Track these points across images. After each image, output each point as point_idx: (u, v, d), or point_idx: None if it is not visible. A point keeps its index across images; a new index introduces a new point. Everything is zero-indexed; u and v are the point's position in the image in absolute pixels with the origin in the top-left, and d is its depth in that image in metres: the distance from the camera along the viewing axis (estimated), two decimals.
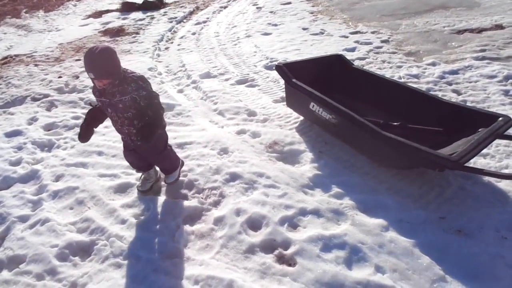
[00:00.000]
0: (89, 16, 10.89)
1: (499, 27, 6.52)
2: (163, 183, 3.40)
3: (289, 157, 3.67)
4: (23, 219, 3.14)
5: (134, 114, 2.69)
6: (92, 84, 2.74)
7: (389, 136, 3.02)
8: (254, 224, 2.86)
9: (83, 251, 2.76)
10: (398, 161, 3.18)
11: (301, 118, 4.23)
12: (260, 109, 4.59)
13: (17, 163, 3.94)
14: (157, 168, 3.39)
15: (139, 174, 3.49)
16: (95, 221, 2.99)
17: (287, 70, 3.99)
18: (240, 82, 5.50)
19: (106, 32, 8.86)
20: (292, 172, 3.40)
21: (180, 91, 5.43)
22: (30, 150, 4.11)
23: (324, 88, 3.94)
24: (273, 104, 4.70)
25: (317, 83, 3.97)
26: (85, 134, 2.81)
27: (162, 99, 4.91)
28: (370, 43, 6.45)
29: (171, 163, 3.25)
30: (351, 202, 3.01)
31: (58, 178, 3.63)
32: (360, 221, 2.81)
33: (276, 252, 2.62)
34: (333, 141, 3.79)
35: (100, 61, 2.45)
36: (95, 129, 2.87)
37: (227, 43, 7.45)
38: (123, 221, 2.96)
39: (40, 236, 2.91)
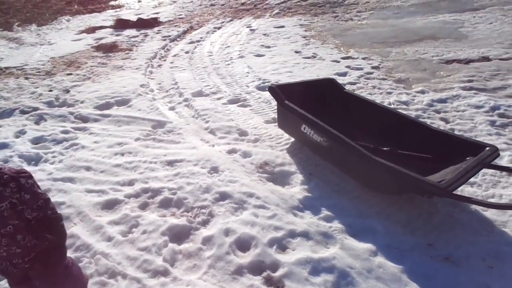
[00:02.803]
0: (82, 32, 10.92)
1: (486, 59, 6.71)
2: None
3: (280, 178, 3.68)
4: None
5: (16, 226, 1.81)
6: None
7: (379, 161, 3.05)
8: (243, 245, 2.83)
9: None
10: (388, 186, 3.20)
11: (292, 139, 4.26)
12: (252, 129, 4.61)
13: None
14: None
15: (128, 191, 3.45)
16: (81, 238, 2.93)
17: (280, 92, 4.04)
18: (232, 101, 5.53)
19: (99, 48, 8.88)
20: (282, 193, 3.40)
21: (172, 108, 5.43)
22: (16, 164, 4.04)
23: (316, 111, 3.99)
24: (265, 125, 4.73)
25: (309, 105, 4.02)
26: None
27: (154, 116, 5.01)
28: (361, 69, 6.59)
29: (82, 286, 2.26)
30: (340, 225, 3.01)
31: None
32: (349, 245, 2.80)
33: (264, 274, 2.59)
34: (324, 164, 3.81)
35: None
36: None
37: (220, 62, 7.52)
38: (109, 238, 2.91)
39: None
